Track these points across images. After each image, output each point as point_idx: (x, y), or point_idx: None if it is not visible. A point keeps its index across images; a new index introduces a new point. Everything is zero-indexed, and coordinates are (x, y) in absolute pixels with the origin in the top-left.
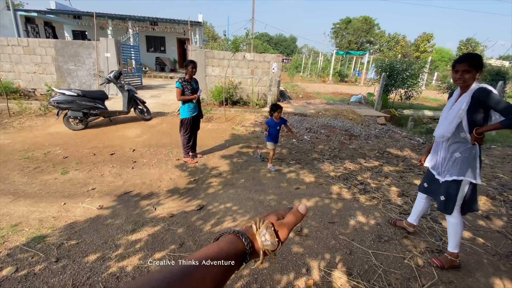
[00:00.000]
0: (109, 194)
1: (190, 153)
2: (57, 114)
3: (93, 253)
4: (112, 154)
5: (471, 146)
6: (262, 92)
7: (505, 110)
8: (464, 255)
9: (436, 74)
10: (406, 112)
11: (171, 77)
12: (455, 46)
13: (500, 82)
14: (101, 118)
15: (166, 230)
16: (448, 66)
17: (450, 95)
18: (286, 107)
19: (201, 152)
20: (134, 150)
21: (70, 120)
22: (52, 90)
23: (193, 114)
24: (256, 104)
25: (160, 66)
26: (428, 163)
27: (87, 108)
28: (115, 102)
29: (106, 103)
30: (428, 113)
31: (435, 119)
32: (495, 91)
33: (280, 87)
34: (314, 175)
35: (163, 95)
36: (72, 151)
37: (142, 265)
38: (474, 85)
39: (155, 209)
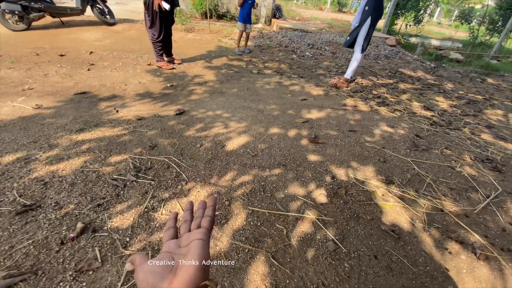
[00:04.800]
0: (53, 95)
1: (165, 58)
2: None
3: (11, 153)
4: (62, 55)
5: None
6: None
7: None
8: None
9: (439, 9)
10: (413, 40)
11: None
12: None
13: None
14: (49, 19)
15: (131, 132)
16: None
17: None
18: (283, 23)
19: (180, 60)
20: (92, 52)
21: (6, 15)
22: None
23: None
24: None
25: None
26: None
27: (27, 0)
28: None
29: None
30: (435, 42)
31: (442, 49)
32: None
33: (275, 0)
34: (322, 88)
35: (131, 3)
36: (8, 50)
37: (88, 169)
38: None
39: (118, 111)
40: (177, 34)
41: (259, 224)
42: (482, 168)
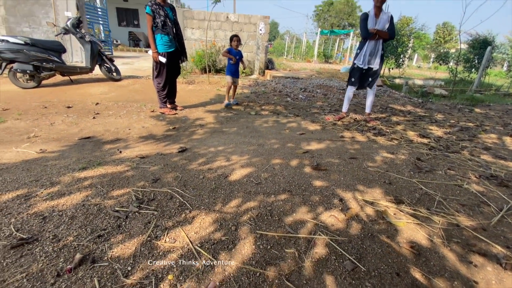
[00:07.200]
0: (58, 140)
1: (168, 105)
2: (0, 67)
3: (12, 191)
4: (69, 107)
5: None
6: (248, 59)
7: (392, 30)
8: None
9: (416, 55)
10: (397, 81)
11: (146, 51)
12: (431, 31)
13: (489, 48)
14: (59, 78)
15: (134, 168)
16: (428, 46)
17: (365, 16)
18: (276, 73)
19: (182, 106)
20: (97, 103)
21: (18, 75)
22: None
23: (170, 50)
24: (243, 72)
25: (134, 41)
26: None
27: (39, 60)
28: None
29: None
30: (418, 81)
31: (426, 87)
32: None
33: (267, 55)
34: (318, 123)
35: (136, 63)
36: (17, 104)
37: (89, 202)
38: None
39: (121, 152)
40: (179, 86)
41: (269, 247)
42: (489, 184)
